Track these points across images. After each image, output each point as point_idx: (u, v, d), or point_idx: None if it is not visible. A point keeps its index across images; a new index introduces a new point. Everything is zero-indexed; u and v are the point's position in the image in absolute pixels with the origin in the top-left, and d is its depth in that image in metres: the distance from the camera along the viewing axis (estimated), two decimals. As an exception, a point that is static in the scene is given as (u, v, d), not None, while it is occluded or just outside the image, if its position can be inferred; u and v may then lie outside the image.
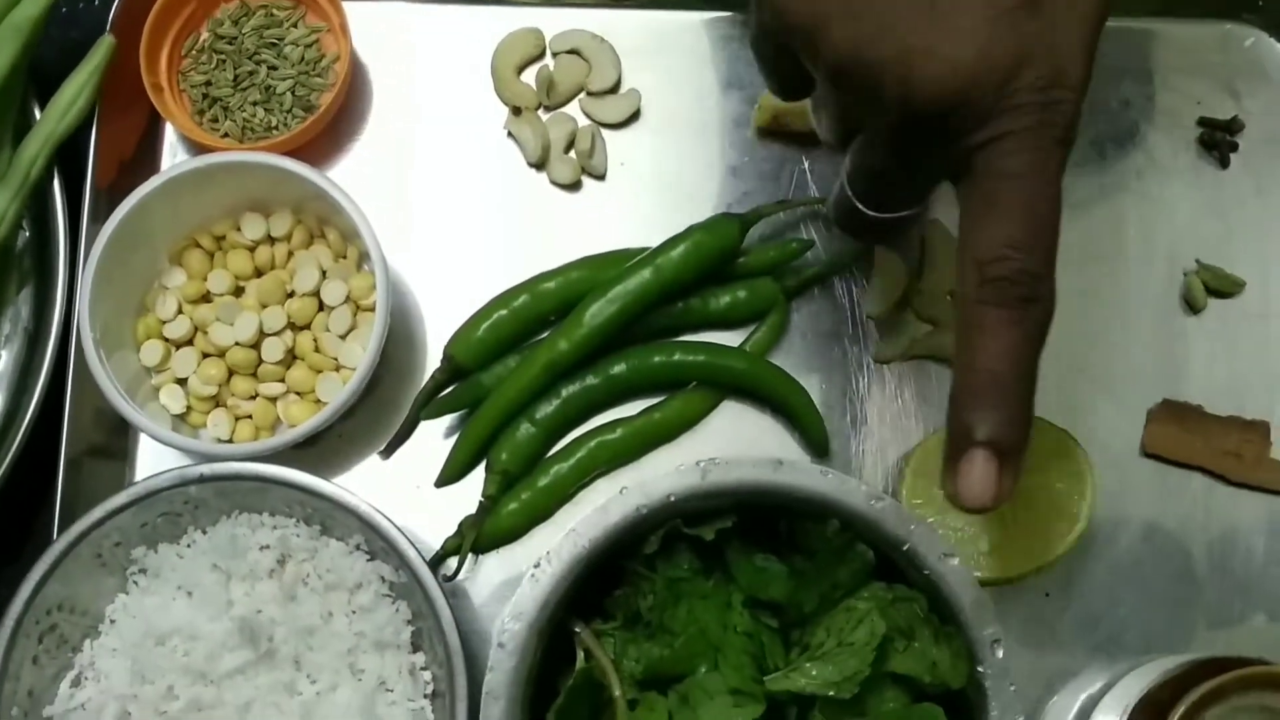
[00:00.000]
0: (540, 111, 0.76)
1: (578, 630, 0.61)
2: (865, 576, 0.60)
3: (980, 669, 0.57)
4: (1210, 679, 0.57)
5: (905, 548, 0.58)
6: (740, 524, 0.60)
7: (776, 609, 0.61)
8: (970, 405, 0.49)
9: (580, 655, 0.60)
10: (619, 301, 0.69)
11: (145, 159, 0.76)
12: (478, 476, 0.71)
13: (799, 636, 0.61)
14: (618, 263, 0.71)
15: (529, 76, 0.77)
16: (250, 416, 0.70)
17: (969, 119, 0.49)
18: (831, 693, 0.56)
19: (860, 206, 0.59)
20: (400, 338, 0.73)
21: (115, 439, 0.72)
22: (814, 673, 0.57)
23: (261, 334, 0.70)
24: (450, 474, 0.71)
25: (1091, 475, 0.67)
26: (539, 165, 0.75)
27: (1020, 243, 0.49)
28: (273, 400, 0.70)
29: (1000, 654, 0.57)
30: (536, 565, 0.58)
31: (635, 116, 0.76)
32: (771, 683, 0.58)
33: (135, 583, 0.66)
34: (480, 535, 0.69)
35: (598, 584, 0.61)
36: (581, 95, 0.76)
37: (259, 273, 0.72)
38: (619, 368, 0.70)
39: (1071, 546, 0.67)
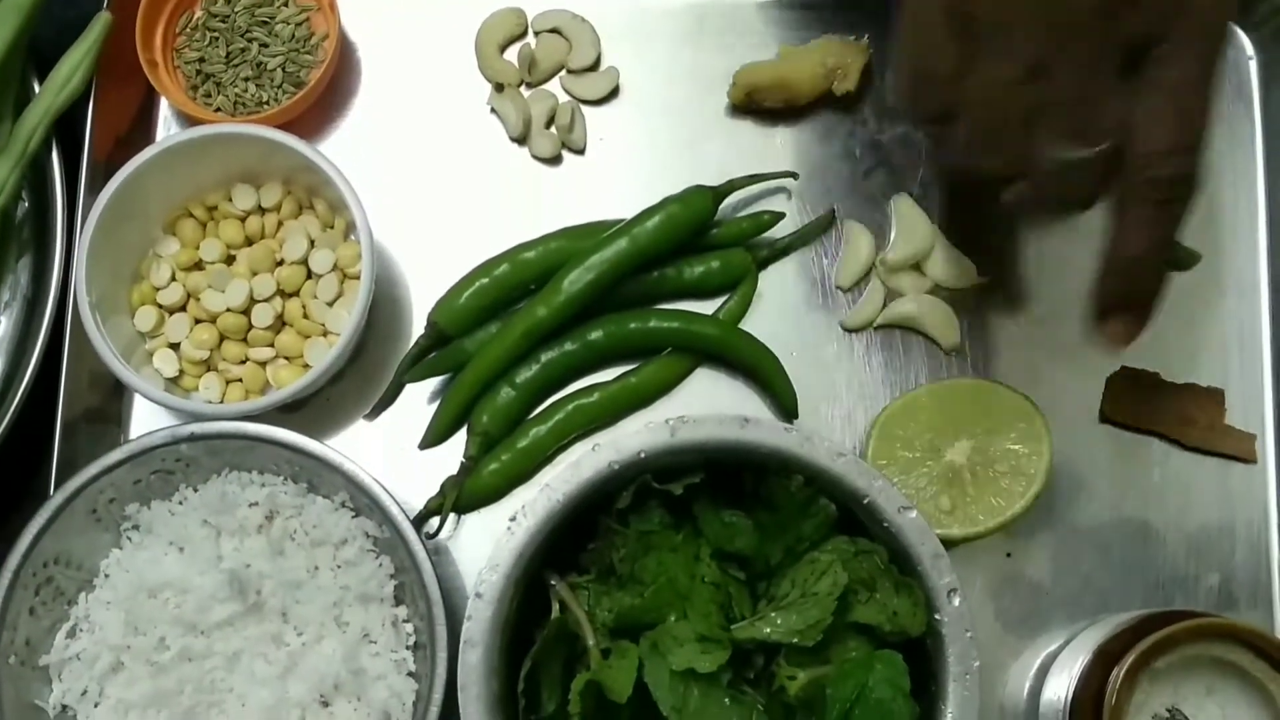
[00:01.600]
0: (522, 88, 0.78)
1: (553, 583, 0.62)
2: (828, 530, 0.61)
3: (938, 617, 0.59)
4: (1161, 630, 0.60)
5: (866, 501, 0.60)
6: (708, 480, 0.62)
7: (743, 561, 0.62)
8: (1113, 275, 0.59)
9: (555, 607, 0.62)
10: (596, 270, 0.71)
11: (140, 132, 0.77)
12: (460, 439, 0.72)
13: (765, 588, 0.62)
14: (595, 233, 0.72)
15: (511, 54, 0.78)
16: (240, 380, 0.71)
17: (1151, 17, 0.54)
18: (795, 640, 0.58)
19: None
20: (386, 305, 0.75)
21: (110, 402, 0.74)
22: (779, 621, 0.59)
23: (252, 300, 0.72)
24: (434, 436, 0.73)
25: (1048, 437, 0.69)
26: (520, 140, 0.77)
27: (1176, 147, 0.56)
28: (262, 364, 0.72)
29: (957, 602, 0.59)
30: (513, 519, 0.60)
31: (614, 93, 0.77)
32: (738, 631, 0.60)
33: (129, 538, 0.68)
34: (461, 495, 0.71)
35: (573, 538, 0.63)
36: (562, 73, 0.78)
37: (250, 241, 0.73)
38: (596, 334, 0.72)
39: (1029, 505, 0.68)
